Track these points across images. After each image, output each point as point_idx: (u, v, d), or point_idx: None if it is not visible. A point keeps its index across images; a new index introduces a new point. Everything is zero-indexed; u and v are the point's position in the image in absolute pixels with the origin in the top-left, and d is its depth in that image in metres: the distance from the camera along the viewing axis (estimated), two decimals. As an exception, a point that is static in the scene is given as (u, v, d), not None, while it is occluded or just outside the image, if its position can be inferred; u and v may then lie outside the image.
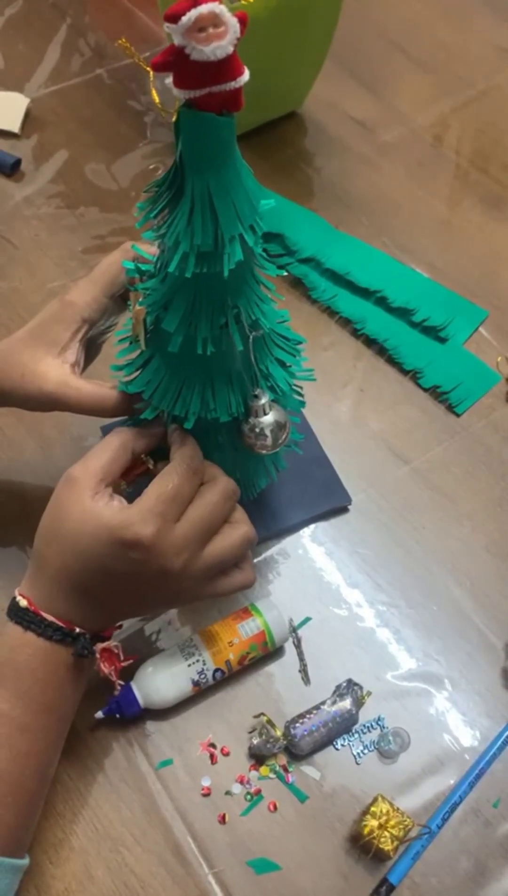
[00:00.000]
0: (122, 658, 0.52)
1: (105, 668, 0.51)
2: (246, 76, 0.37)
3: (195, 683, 0.57)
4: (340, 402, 0.75)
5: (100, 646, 0.51)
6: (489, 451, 0.72)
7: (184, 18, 0.34)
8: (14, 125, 0.92)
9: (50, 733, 0.51)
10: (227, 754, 0.58)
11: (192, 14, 0.34)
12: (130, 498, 0.50)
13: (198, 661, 0.57)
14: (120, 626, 0.54)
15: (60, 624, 0.50)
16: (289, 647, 0.62)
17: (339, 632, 0.63)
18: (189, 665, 0.57)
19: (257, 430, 0.52)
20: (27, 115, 0.94)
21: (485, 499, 0.70)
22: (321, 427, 0.72)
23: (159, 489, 0.49)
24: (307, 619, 0.63)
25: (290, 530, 0.67)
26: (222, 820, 0.55)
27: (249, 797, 0.56)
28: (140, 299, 0.49)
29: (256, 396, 0.51)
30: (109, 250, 0.82)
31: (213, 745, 0.58)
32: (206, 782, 0.57)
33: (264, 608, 0.60)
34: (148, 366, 0.51)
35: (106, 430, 0.69)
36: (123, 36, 1.03)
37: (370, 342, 0.78)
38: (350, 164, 0.92)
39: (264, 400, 0.51)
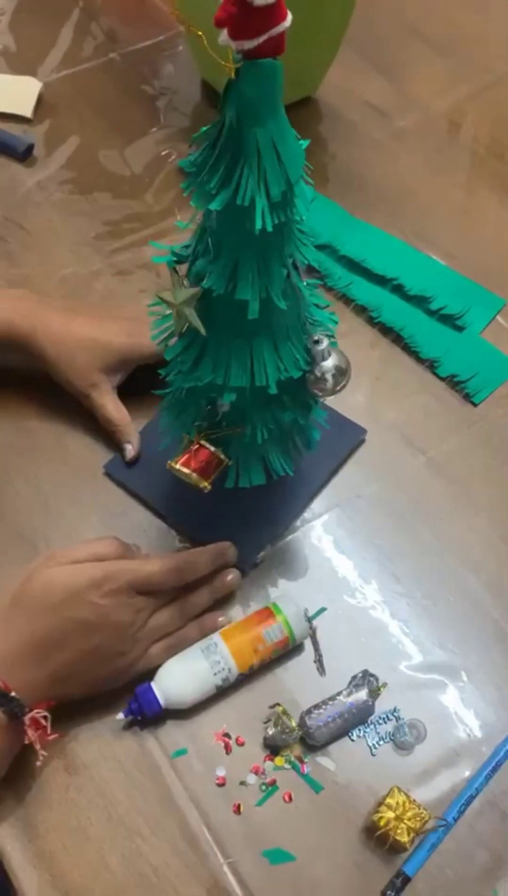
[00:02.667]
0: (49, 731, 0.53)
1: (32, 735, 0.52)
2: (290, 18, 0.38)
3: (219, 688, 0.57)
4: (355, 391, 0.74)
5: (30, 714, 0.52)
6: (506, 441, 0.71)
7: None
8: (27, 110, 0.91)
9: None
10: (242, 744, 0.57)
11: None
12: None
13: (223, 668, 0.57)
14: (51, 705, 0.53)
15: None
16: (305, 639, 0.61)
17: (354, 622, 0.63)
18: (215, 673, 0.57)
19: (320, 375, 0.52)
20: (40, 99, 0.93)
21: (502, 489, 0.69)
22: (334, 416, 0.71)
23: (145, 568, 0.57)
24: (323, 610, 0.63)
25: (322, 487, 0.68)
26: (237, 810, 0.55)
27: (264, 787, 0.56)
28: (189, 289, 0.48)
29: (316, 342, 0.52)
30: (121, 236, 0.83)
31: (228, 735, 0.57)
32: (221, 772, 0.56)
33: (283, 605, 0.59)
34: (206, 351, 0.51)
35: (109, 468, 0.69)
36: (135, 19, 1.03)
37: (385, 331, 0.77)
38: (366, 150, 0.91)
39: (324, 344, 0.52)
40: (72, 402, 0.69)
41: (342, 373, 0.52)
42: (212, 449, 0.55)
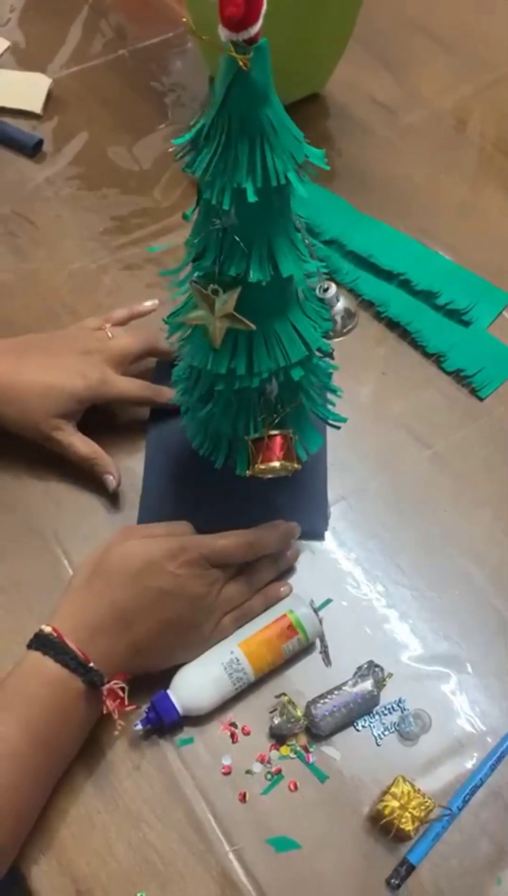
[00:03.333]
0: (126, 702, 0.54)
1: (110, 705, 0.53)
2: None
3: (236, 695, 0.58)
4: (361, 385, 0.74)
5: (108, 685, 0.53)
6: (511, 435, 0.72)
7: None
8: (36, 106, 0.92)
9: (45, 766, 0.52)
10: (248, 734, 0.58)
11: None
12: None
13: (244, 681, 0.57)
14: (127, 677, 0.54)
15: (78, 653, 0.52)
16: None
17: (359, 614, 0.63)
18: (236, 686, 0.57)
19: (331, 318, 0.53)
20: (49, 95, 0.93)
21: (506, 484, 0.69)
22: (341, 410, 0.72)
23: (218, 542, 0.58)
24: (328, 601, 0.63)
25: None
26: (243, 798, 0.55)
27: (269, 776, 0.56)
28: (226, 296, 0.48)
29: (325, 290, 0.52)
30: (129, 232, 0.84)
31: (234, 725, 0.58)
32: (227, 761, 0.57)
33: (296, 607, 0.59)
34: (254, 343, 0.51)
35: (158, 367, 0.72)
36: (143, 16, 1.03)
37: (392, 325, 0.77)
38: (373, 146, 0.92)
39: (333, 290, 0.52)
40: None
41: (350, 315, 0.54)
42: (281, 432, 0.55)
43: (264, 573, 0.61)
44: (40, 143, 0.89)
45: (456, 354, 0.75)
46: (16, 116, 0.92)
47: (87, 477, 0.68)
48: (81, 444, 0.65)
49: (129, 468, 0.68)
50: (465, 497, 0.69)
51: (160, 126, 0.93)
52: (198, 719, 0.58)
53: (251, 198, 0.43)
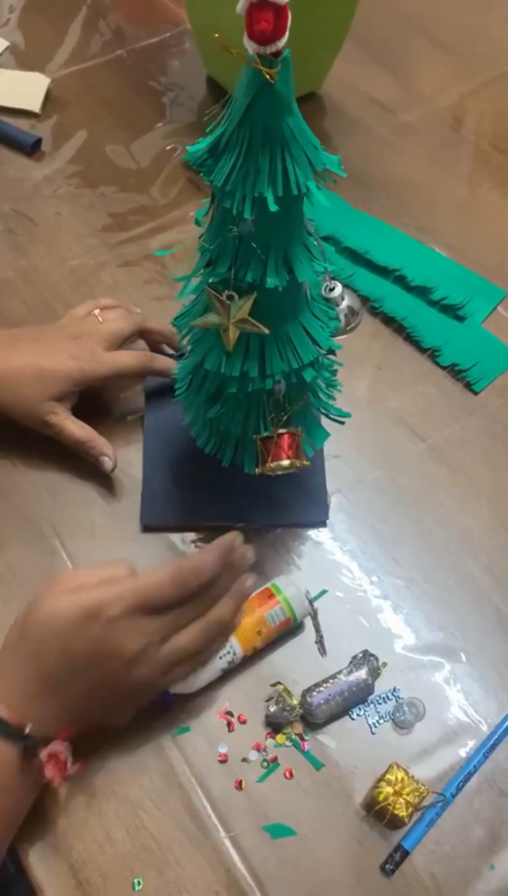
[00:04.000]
0: (69, 764, 0.51)
1: (49, 773, 0.49)
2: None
3: (225, 671, 0.58)
4: (357, 380, 0.75)
5: (46, 750, 0.49)
6: (506, 428, 0.72)
7: None
8: (35, 105, 0.93)
9: None
10: (244, 722, 0.58)
11: None
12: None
13: (228, 651, 0.57)
14: (71, 732, 0.51)
15: (8, 721, 0.48)
16: (306, 619, 0.62)
17: (355, 604, 0.63)
18: (220, 657, 0.57)
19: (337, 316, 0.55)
20: (48, 95, 0.94)
21: (502, 476, 0.70)
22: (338, 405, 0.72)
23: (143, 583, 0.52)
24: (324, 592, 0.64)
25: (261, 528, 0.66)
26: (239, 786, 0.56)
27: (265, 764, 0.57)
28: (241, 301, 0.49)
29: (331, 289, 0.53)
30: (128, 228, 0.84)
31: (230, 713, 0.58)
32: (223, 749, 0.57)
33: (283, 585, 0.60)
34: (266, 346, 0.52)
35: (148, 386, 0.72)
36: (142, 17, 1.04)
37: (388, 321, 0.78)
38: (370, 145, 0.92)
39: (339, 288, 0.54)
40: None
41: (353, 312, 0.55)
42: (289, 430, 0.56)
43: (217, 614, 0.55)
44: (39, 141, 0.90)
45: (451, 349, 0.76)
46: (15, 116, 0.93)
47: (84, 467, 0.68)
48: (76, 428, 0.66)
49: (126, 460, 0.69)
50: (461, 490, 0.69)
51: (158, 125, 0.93)
52: (194, 709, 0.59)
53: (273, 207, 0.44)
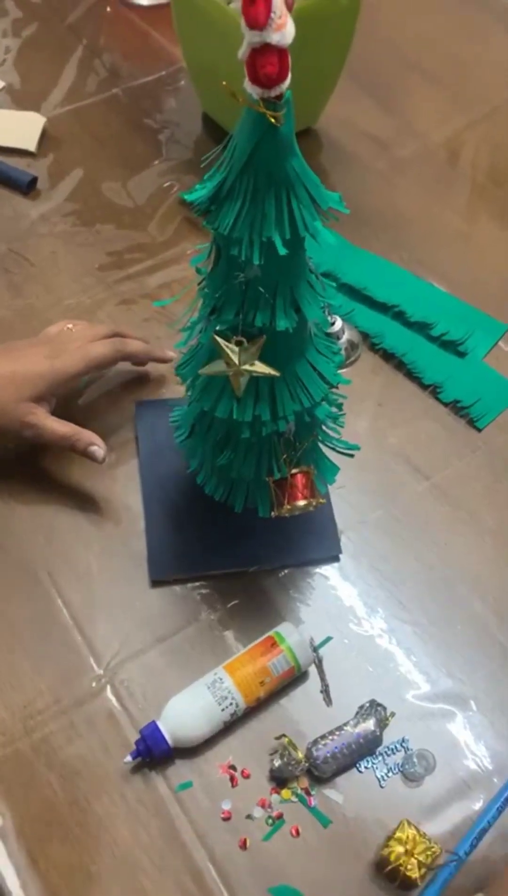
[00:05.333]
0: None
1: None
2: None
3: (227, 723, 0.56)
4: (358, 417, 0.74)
5: None
6: (511, 466, 0.71)
7: (274, 14, 0.35)
8: (31, 144, 0.93)
9: None
10: (247, 777, 0.56)
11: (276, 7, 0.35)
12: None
13: (231, 703, 0.56)
14: None
15: None
16: (310, 668, 0.60)
17: (360, 651, 0.62)
18: (223, 709, 0.56)
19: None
20: (44, 133, 0.94)
21: (506, 514, 0.69)
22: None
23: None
24: (328, 639, 0.62)
25: (276, 568, 0.65)
26: (244, 845, 0.54)
27: (270, 821, 0.55)
28: (250, 347, 0.48)
29: (332, 324, 0.54)
30: (125, 267, 0.84)
31: (233, 768, 0.56)
32: (226, 806, 0.55)
33: (286, 633, 0.58)
34: (275, 388, 0.51)
35: (138, 407, 0.72)
36: (137, 55, 1.05)
37: (388, 357, 0.77)
38: (366, 180, 0.92)
39: (339, 323, 0.55)
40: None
41: (354, 346, 0.55)
42: (302, 469, 0.55)
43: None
44: (35, 180, 0.90)
45: (453, 385, 0.75)
46: (10, 155, 0.92)
47: (79, 507, 0.67)
48: (58, 424, 0.65)
49: (123, 502, 0.68)
50: (465, 528, 0.68)
51: (154, 162, 0.93)
52: (196, 762, 0.57)
53: (282, 251, 0.43)
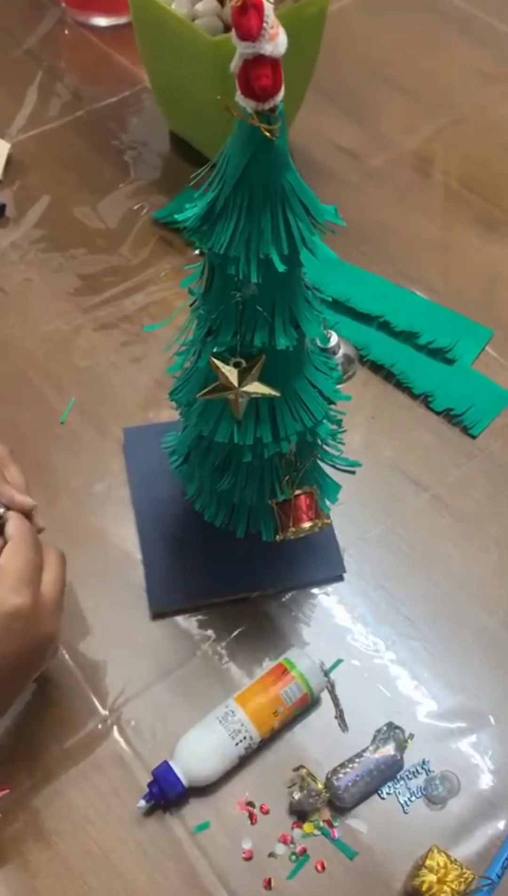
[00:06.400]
0: None
1: None
2: None
3: (242, 757, 0.54)
4: (351, 431, 0.71)
5: None
6: (509, 472, 0.70)
7: (266, 25, 0.34)
8: (-4, 171, 0.91)
9: None
10: (267, 812, 0.54)
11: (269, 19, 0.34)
12: None
13: (245, 737, 0.54)
14: None
15: None
16: (323, 693, 0.58)
17: (371, 672, 0.60)
18: (236, 743, 0.54)
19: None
20: (9, 160, 0.92)
21: (510, 522, 0.68)
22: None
23: (18, 562, 0.49)
24: (339, 662, 0.60)
25: (279, 591, 0.63)
26: (268, 885, 0.52)
27: (294, 858, 0.52)
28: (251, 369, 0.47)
29: (329, 338, 0.55)
30: (101, 291, 0.82)
31: (251, 804, 0.54)
32: (247, 844, 0.53)
33: (296, 659, 0.57)
34: (277, 409, 0.50)
35: (127, 434, 0.70)
36: (99, 77, 1.03)
37: (376, 368, 0.76)
38: (340, 191, 0.91)
39: (335, 339, 0.56)
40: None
41: (350, 361, 0.54)
42: (305, 490, 0.53)
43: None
44: (3, 207, 0.88)
45: (444, 393, 0.74)
46: (-24, 183, 0.90)
47: (72, 545, 0.65)
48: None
49: (118, 534, 0.65)
50: (469, 539, 0.67)
51: (123, 183, 0.92)
52: (212, 801, 0.54)
53: (281, 267, 0.41)
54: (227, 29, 0.80)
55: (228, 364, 0.46)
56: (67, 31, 1.09)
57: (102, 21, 1.09)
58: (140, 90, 1.01)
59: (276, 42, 0.34)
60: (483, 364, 0.77)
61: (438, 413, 0.73)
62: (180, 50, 0.79)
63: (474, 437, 0.72)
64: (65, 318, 0.80)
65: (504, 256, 0.86)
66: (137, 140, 0.96)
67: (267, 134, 0.37)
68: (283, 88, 0.37)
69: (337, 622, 0.62)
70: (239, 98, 0.37)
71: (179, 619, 0.62)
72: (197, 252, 0.85)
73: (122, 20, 1.08)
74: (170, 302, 0.81)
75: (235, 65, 0.35)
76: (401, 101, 1.01)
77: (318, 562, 0.64)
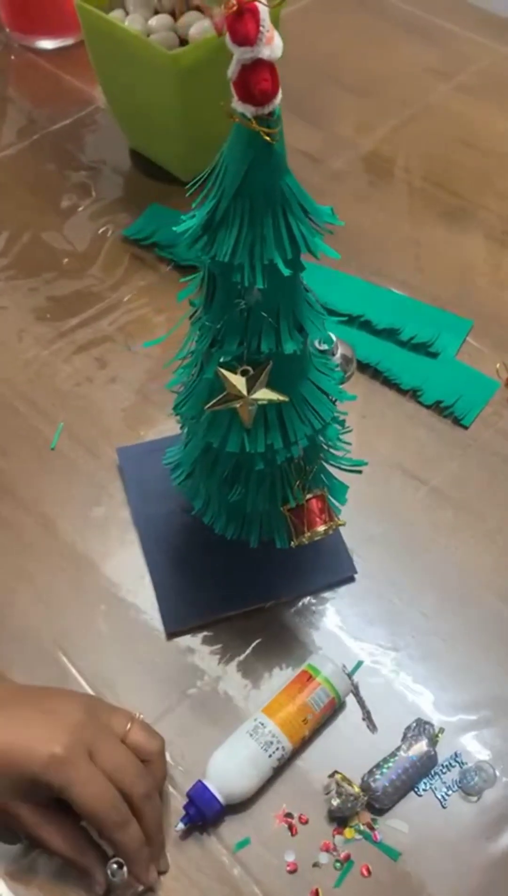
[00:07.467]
0: None
1: None
2: None
3: (275, 769, 0.54)
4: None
5: None
6: (504, 459, 0.71)
7: (263, 28, 0.33)
8: (-43, 200, 0.89)
9: None
10: (306, 822, 0.53)
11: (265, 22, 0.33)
12: None
13: (278, 748, 0.53)
14: None
15: None
16: (348, 696, 0.58)
17: (393, 670, 0.60)
18: (270, 755, 0.53)
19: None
20: (-31, 189, 0.91)
21: (510, 508, 0.68)
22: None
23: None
24: (360, 663, 0.60)
25: (293, 598, 0.63)
26: (316, 896, 0.51)
27: (338, 865, 0.52)
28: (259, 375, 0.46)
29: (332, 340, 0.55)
30: (77, 313, 0.81)
31: (289, 815, 0.54)
32: (290, 857, 0.52)
33: (319, 664, 0.56)
34: (284, 414, 0.49)
35: (121, 454, 0.69)
36: (50, 100, 1.03)
37: (362, 367, 0.76)
38: (305, 195, 0.92)
39: (333, 340, 0.54)
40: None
41: (348, 361, 0.54)
42: (315, 493, 0.53)
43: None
44: (-32, 236, 0.87)
45: (432, 387, 0.75)
46: None
47: (77, 570, 0.64)
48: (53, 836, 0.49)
49: (120, 559, 0.64)
50: (473, 529, 0.67)
51: (85, 203, 0.91)
52: (249, 816, 0.54)
53: (286, 271, 0.41)
54: (182, 43, 0.80)
55: (235, 373, 0.45)
56: (13, 57, 1.08)
57: (47, 44, 1.08)
58: (94, 110, 1.01)
59: (272, 45, 0.34)
60: (466, 355, 0.77)
61: (428, 407, 0.74)
62: (138, 67, 0.78)
63: (466, 428, 0.73)
64: (43, 343, 0.79)
65: (473, 247, 0.87)
66: (96, 159, 0.96)
67: (267, 138, 0.37)
68: (280, 93, 0.36)
69: (352, 623, 0.62)
70: (236, 104, 0.37)
71: (196, 636, 0.61)
72: (170, 268, 0.85)
73: (68, 41, 1.08)
74: (149, 318, 0.81)
75: (232, 71, 0.35)
76: (355, 102, 1.02)
77: (328, 565, 0.63)
